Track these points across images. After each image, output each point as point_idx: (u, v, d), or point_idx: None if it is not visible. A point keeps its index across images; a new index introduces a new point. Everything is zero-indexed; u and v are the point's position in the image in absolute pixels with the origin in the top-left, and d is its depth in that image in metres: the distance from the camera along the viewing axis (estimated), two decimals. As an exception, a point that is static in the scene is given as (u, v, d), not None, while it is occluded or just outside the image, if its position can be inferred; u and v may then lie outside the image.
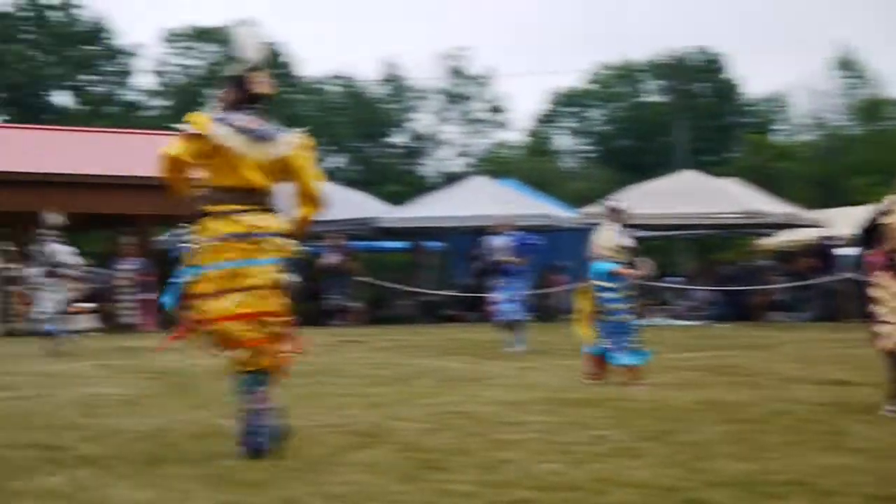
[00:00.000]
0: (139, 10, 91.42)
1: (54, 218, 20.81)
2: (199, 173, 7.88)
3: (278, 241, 7.80)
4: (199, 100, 61.16)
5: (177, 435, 8.83)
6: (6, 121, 57.15)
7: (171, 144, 7.78)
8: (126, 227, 35.48)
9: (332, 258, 31.61)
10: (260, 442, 7.60)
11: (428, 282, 35.36)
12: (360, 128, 62.89)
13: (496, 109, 66.86)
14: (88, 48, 63.98)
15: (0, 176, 30.99)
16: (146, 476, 7.09)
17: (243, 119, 7.81)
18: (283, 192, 8.04)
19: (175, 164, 7.74)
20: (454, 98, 65.78)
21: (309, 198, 7.99)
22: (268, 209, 7.84)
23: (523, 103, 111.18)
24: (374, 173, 60.70)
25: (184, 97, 62.11)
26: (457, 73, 65.59)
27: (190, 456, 7.73)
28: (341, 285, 31.59)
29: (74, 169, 32.18)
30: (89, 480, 6.94)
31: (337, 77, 65.63)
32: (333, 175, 58.42)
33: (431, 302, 33.61)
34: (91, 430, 9.25)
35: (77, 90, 63.89)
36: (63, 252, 20.65)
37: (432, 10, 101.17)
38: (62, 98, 63.82)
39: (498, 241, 19.38)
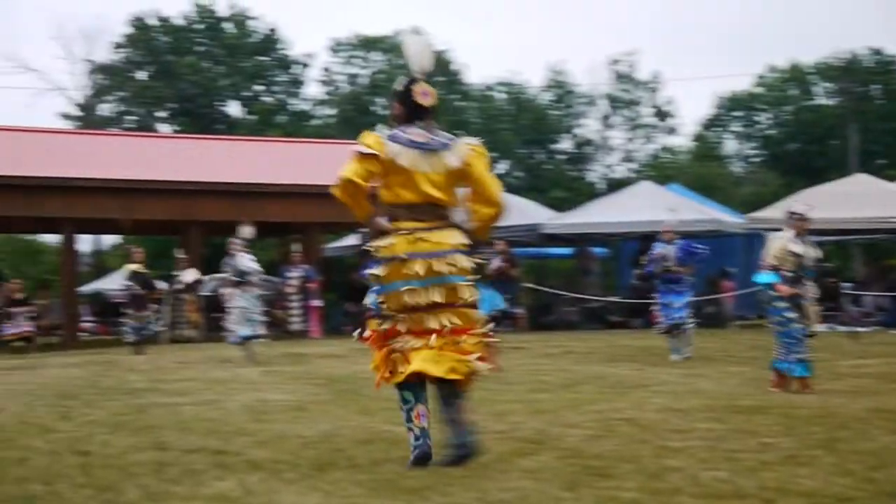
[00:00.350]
0: (308, 20, 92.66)
1: (248, 230, 21.26)
2: (377, 192, 7.80)
3: (461, 257, 7.69)
4: (365, 109, 61.76)
5: (344, 441, 8.89)
6: (178, 131, 58.39)
7: (345, 168, 7.64)
8: (293, 235, 35.97)
9: (496, 264, 31.61)
10: (466, 448, 7.54)
11: (593, 288, 35.20)
12: (526, 134, 62.86)
13: (662, 114, 66.36)
14: (260, 59, 64.96)
15: (168, 185, 31.72)
16: (313, 481, 7.15)
17: (414, 133, 7.72)
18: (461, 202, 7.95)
19: (352, 187, 7.58)
20: (620, 103, 65.41)
21: (491, 203, 7.83)
22: (449, 224, 7.73)
23: (690, 107, 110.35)
24: (539, 179, 60.64)
25: (350, 106, 62.75)
26: (623, 77, 65.25)
27: (357, 462, 7.78)
28: (506, 291, 31.55)
29: (240, 178, 32.75)
30: (257, 485, 7.03)
31: (502, 84, 65.75)
32: (499, 181, 58.76)
33: (596, 308, 33.45)
34: (260, 435, 9.37)
35: (248, 100, 64.87)
36: (248, 261, 21.07)
37: (599, 14, 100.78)
38: (233, 108, 64.86)
39: (663, 249, 19.17)
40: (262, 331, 21.35)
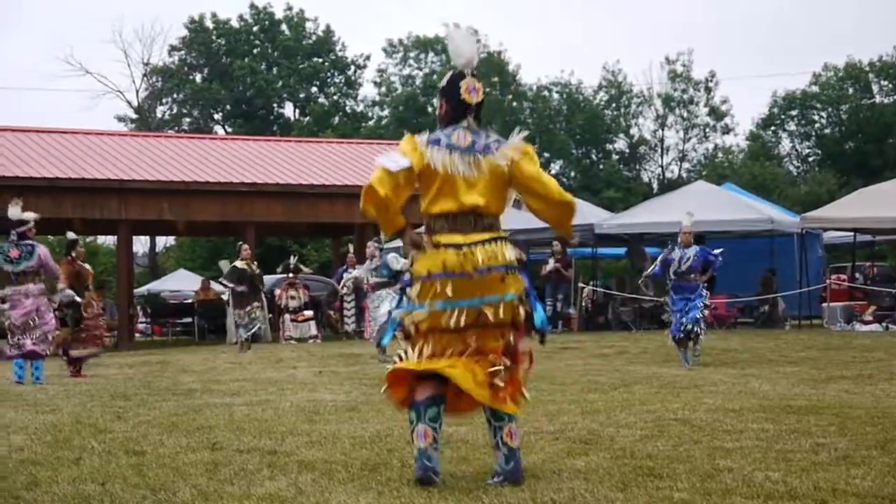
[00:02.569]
0: (364, 21, 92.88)
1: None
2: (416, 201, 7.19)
3: (507, 273, 7.07)
4: (420, 110, 61.81)
5: (396, 441, 8.86)
6: (233, 133, 58.65)
7: (374, 177, 7.01)
8: (348, 236, 36.05)
9: (550, 265, 31.63)
10: (516, 474, 7.04)
11: (646, 288, 35.05)
12: (580, 134, 62.79)
13: (717, 113, 66.08)
14: (316, 60, 65.22)
15: (223, 186, 31.91)
16: (365, 481, 7.15)
17: (456, 135, 7.17)
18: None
19: (379, 198, 6.97)
20: (675, 103, 65.18)
21: (557, 202, 7.31)
22: (495, 236, 7.13)
23: (745, 107, 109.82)
24: (592, 179, 60.55)
25: (405, 108, 62.85)
26: (678, 77, 65.01)
27: (409, 462, 7.74)
28: (560, 292, 31.62)
29: (295, 179, 32.94)
30: (310, 486, 7.03)
31: (556, 84, 65.69)
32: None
33: (650, 308, 33.31)
34: (312, 435, 9.38)
35: (303, 102, 65.15)
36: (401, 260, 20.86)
37: (654, 14, 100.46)
38: (288, 110, 65.18)
39: (678, 252, 18.75)
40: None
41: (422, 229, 7.19)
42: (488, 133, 7.28)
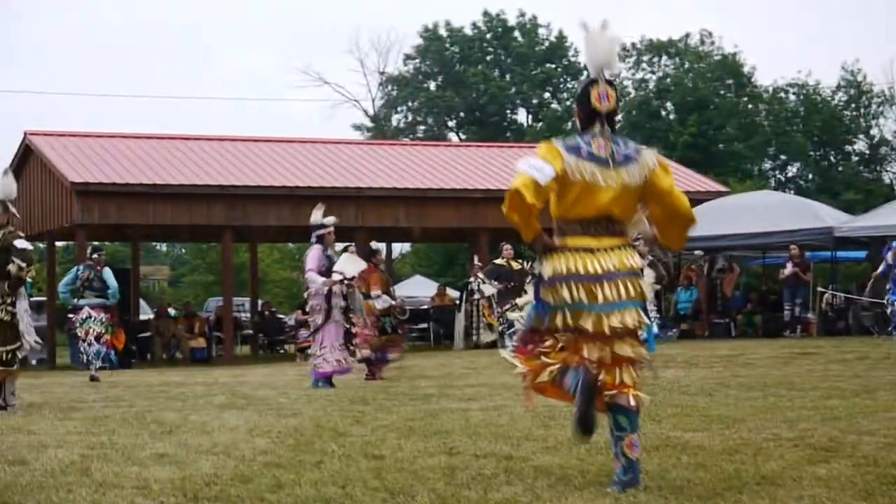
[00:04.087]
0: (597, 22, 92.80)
1: None
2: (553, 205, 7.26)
3: (635, 281, 7.16)
4: (654, 114, 61.46)
5: None
6: (467, 140, 59.19)
7: (519, 182, 7.01)
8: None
9: (789, 268, 31.15)
10: (626, 481, 7.05)
11: (887, 293, 34.14)
12: (817, 136, 61.53)
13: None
14: (548, 66, 65.46)
15: (457, 193, 32.27)
16: (601, 487, 7.14)
17: (595, 143, 7.16)
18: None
19: (521, 202, 6.97)
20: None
21: (683, 219, 7.36)
22: (624, 243, 7.20)
23: None
24: (831, 181, 59.21)
25: (638, 111, 62.55)
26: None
27: (645, 468, 7.66)
28: (798, 296, 31.05)
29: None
30: (546, 491, 7.05)
31: (793, 85, 64.50)
32: (788, 185, 57.48)
33: (890, 313, 32.45)
34: (547, 441, 9.39)
35: (536, 108, 65.42)
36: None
37: (894, 10, 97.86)
38: (521, 116, 65.52)
39: None
40: None
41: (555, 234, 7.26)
42: (626, 141, 7.26)
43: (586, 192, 7.07)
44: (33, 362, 21.47)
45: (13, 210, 14.11)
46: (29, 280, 14.24)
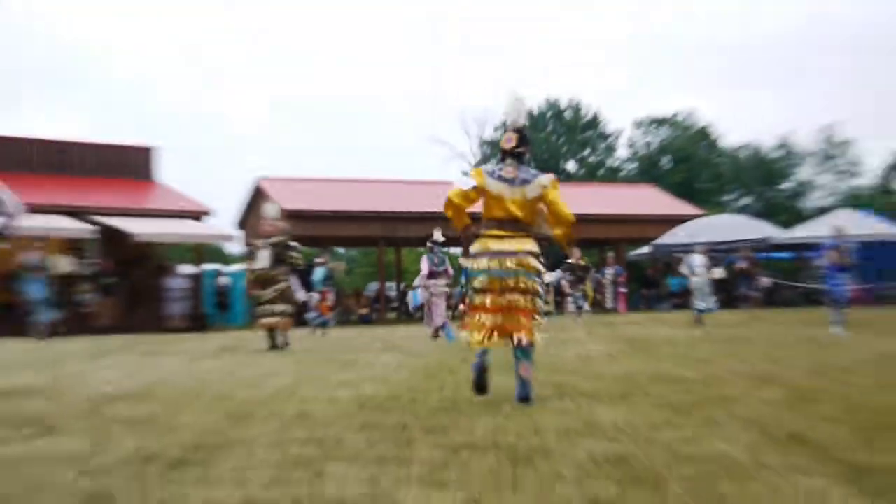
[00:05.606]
0: (616, 107, 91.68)
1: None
2: (476, 208, 7.32)
3: (530, 258, 7.09)
4: (655, 164, 60.78)
5: (641, 378, 8.66)
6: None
7: (452, 191, 7.28)
8: (608, 246, 35.97)
9: (741, 264, 31.19)
10: (524, 396, 7.08)
11: (808, 279, 33.61)
12: (760, 179, 60.48)
13: (855, 163, 61.89)
14: (587, 133, 65.04)
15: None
16: (620, 403, 7.02)
17: (505, 169, 7.17)
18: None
19: (453, 205, 7.25)
20: (826, 156, 61.39)
21: (563, 221, 7.19)
22: (524, 235, 7.16)
23: (878, 157, 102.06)
24: (770, 207, 58.05)
25: (647, 163, 62.02)
26: (829, 140, 61.15)
27: (650, 392, 7.56)
28: (747, 281, 31.04)
29: (589, 210, 32.84)
30: (584, 405, 6.92)
31: (745, 146, 63.39)
32: (741, 210, 56.37)
33: (811, 291, 31.95)
34: (585, 374, 9.24)
35: (580, 160, 64.97)
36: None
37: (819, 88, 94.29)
38: (570, 165, 65.02)
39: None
40: (708, 305, 19.95)
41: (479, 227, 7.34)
42: (528, 169, 7.26)
43: (497, 200, 7.14)
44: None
45: (282, 225, 14.68)
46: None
